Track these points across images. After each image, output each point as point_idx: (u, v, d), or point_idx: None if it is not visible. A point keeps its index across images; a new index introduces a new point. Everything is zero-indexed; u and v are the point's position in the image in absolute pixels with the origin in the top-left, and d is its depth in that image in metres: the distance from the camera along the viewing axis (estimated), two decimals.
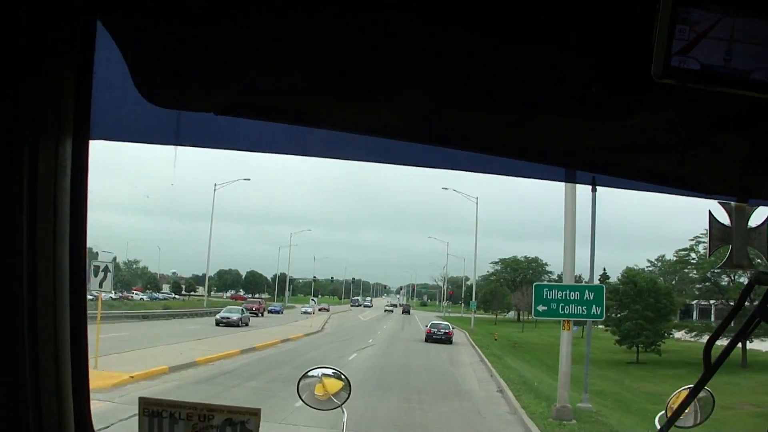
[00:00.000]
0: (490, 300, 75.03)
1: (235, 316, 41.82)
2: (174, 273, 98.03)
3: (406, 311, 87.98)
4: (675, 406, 2.50)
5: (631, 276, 39.45)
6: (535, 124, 1.71)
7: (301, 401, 2.98)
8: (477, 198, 58.52)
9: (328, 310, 75.89)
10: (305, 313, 61.69)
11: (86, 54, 1.26)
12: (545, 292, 17.26)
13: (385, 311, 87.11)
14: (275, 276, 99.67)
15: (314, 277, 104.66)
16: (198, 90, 1.59)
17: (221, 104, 1.59)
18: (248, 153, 2.42)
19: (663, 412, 2.77)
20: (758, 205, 2.04)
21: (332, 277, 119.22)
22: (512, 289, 74.79)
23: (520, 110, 1.66)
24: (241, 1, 1.33)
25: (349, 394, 2.99)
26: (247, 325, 41.66)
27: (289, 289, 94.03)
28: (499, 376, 23.51)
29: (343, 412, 2.98)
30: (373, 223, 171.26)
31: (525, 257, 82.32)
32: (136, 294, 73.95)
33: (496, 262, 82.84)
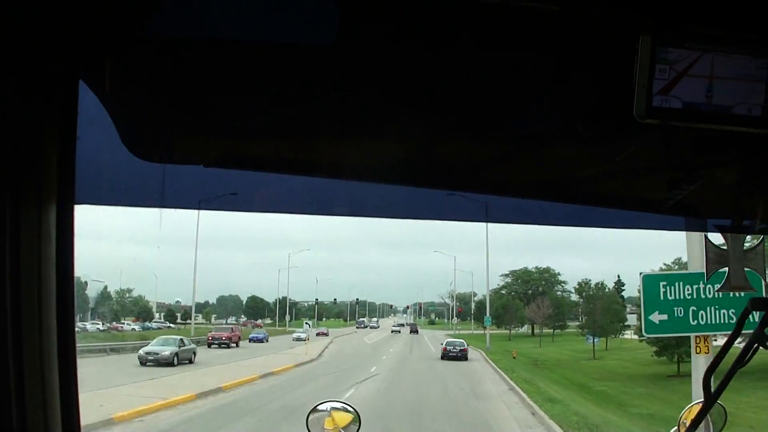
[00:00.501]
0: (502, 314, 70.33)
1: (167, 351, 28.95)
2: (177, 302, 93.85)
3: (414, 331, 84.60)
4: (687, 422, 2.53)
5: None
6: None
7: None
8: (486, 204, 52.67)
9: (327, 334, 66.46)
10: (298, 339, 50.80)
11: (69, 115, 1.22)
12: (663, 290, 9.14)
13: (392, 332, 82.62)
14: (277, 300, 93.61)
15: (316, 299, 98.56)
16: (185, 140, 1.56)
17: (210, 155, 1.58)
18: (237, 171, 1.73)
19: (675, 428, 2.72)
20: (753, 227, 1.91)
21: (335, 299, 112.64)
22: (525, 302, 69.02)
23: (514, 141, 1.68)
24: (229, 48, 1.31)
25: (359, 426, 3.11)
26: (191, 362, 30.38)
27: (290, 313, 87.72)
28: (544, 413, 17.05)
29: None
30: (377, 243, 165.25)
31: (536, 268, 77.10)
32: (127, 324, 67.88)
33: (506, 275, 78.41)
